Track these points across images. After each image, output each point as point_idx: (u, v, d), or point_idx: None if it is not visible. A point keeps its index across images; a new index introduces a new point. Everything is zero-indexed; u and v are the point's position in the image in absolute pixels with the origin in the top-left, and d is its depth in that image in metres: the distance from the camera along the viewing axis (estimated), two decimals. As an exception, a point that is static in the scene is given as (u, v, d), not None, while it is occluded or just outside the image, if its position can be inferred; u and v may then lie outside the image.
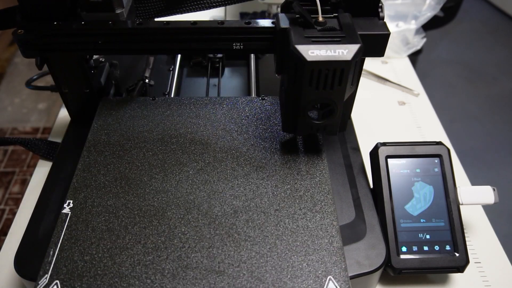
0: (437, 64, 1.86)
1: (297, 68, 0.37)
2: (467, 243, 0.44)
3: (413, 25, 0.76)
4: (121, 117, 0.50)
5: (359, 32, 0.43)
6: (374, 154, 0.48)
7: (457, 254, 0.43)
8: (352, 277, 0.41)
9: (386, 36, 0.43)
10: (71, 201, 0.41)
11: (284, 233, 0.38)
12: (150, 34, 0.44)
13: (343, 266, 0.36)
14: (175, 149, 0.46)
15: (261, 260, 0.37)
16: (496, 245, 0.51)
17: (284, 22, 0.39)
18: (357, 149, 0.53)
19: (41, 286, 0.35)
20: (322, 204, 0.41)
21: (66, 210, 0.40)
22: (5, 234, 0.51)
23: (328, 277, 0.35)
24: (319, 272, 0.36)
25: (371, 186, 0.49)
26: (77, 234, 0.38)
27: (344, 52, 0.36)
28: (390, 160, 0.47)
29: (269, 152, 0.46)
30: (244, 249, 0.37)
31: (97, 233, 0.38)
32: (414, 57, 0.82)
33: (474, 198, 0.46)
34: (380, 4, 0.45)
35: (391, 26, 0.76)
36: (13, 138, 0.57)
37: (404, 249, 0.44)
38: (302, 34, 0.37)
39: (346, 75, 0.37)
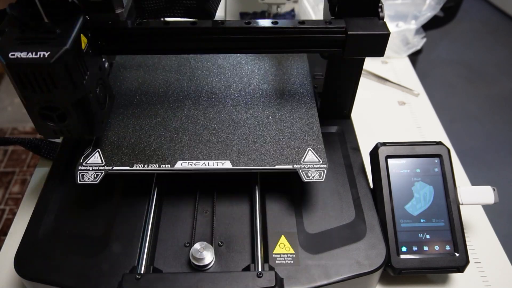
0: (437, 64, 1.86)
1: (6, 70, 0.36)
2: (467, 243, 0.44)
3: (413, 25, 0.76)
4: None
5: (359, 32, 0.43)
6: (374, 154, 0.48)
7: (457, 254, 0.43)
8: (352, 277, 0.41)
9: (386, 36, 0.43)
10: None
11: (274, 121, 0.48)
12: (151, 34, 0.44)
13: (320, 142, 0.45)
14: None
15: (257, 137, 0.46)
16: (496, 245, 0.51)
17: (5, 24, 0.38)
18: (357, 149, 0.53)
19: (86, 153, 0.44)
20: (306, 100, 0.50)
21: None
22: (5, 234, 0.51)
23: (308, 148, 0.45)
24: (301, 145, 0.45)
25: (371, 186, 0.49)
26: (111, 121, 0.48)
27: (46, 54, 0.34)
28: (390, 160, 0.47)
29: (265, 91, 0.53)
30: (243, 131, 0.47)
31: (127, 120, 0.48)
32: (414, 57, 0.82)
33: (474, 198, 0.46)
34: (380, 4, 0.45)
35: (391, 26, 0.76)
36: (13, 138, 0.57)
37: (404, 249, 0.44)
38: (15, 36, 0.36)
39: (56, 78, 0.36)
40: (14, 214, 0.59)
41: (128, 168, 0.43)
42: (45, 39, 0.36)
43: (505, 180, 1.39)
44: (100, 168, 0.43)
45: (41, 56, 0.34)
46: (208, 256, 0.41)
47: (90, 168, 0.42)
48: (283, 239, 0.44)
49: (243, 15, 0.83)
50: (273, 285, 0.38)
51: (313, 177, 0.42)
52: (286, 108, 0.50)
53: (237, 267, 0.42)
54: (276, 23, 0.44)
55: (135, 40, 0.44)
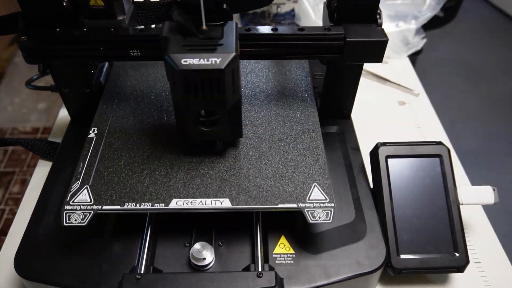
0: (437, 64, 1.86)
1: (174, 76, 0.37)
2: (467, 243, 0.44)
3: (413, 25, 0.76)
4: (135, 69, 0.56)
5: (357, 39, 0.44)
6: (374, 154, 0.48)
7: (457, 254, 0.43)
8: (352, 277, 0.41)
9: (384, 42, 0.44)
10: (96, 128, 0.47)
11: (277, 153, 0.45)
12: (151, 41, 0.44)
13: (326, 177, 0.42)
14: None
15: (259, 171, 0.43)
16: (496, 245, 0.51)
17: (167, 30, 0.39)
18: (357, 149, 0.53)
19: (73, 190, 0.41)
20: (311, 130, 0.47)
21: (91, 135, 0.46)
22: (5, 234, 0.51)
23: (313, 184, 0.41)
24: (306, 180, 0.42)
25: (371, 186, 0.49)
26: (102, 153, 0.44)
27: (217, 60, 0.36)
28: (390, 160, 0.47)
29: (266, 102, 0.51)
30: (244, 164, 0.44)
31: (119, 152, 0.45)
32: (414, 57, 0.82)
33: (474, 198, 0.46)
34: (378, 11, 0.45)
35: (391, 26, 0.76)
36: (13, 138, 0.57)
37: (404, 249, 0.44)
38: (181, 43, 0.37)
39: (222, 84, 0.37)
40: (14, 214, 0.59)
41: (119, 207, 0.40)
42: (211, 46, 0.37)
43: (505, 180, 1.39)
44: (88, 207, 0.39)
45: (213, 62, 0.36)
46: (208, 256, 0.41)
47: (78, 208, 0.39)
48: (283, 239, 0.44)
49: (243, 15, 0.83)
50: (273, 285, 0.38)
51: (319, 217, 0.39)
52: (289, 137, 0.46)
53: (237, 267, 0.42)
54: (275, 30, 0.45)
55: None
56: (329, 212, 0.39)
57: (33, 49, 0.44)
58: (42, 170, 0.57)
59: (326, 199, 0.40)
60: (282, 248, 0.43)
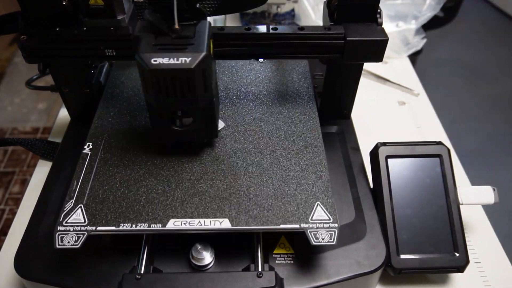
0: (437, 64, 1.85)
1: (144, 76, 0.37)
2: (467, 243, 0.44)
3: (413, 25, 0.76)
4: (133, 77, 0.55)
5: (358, 38, 0.44)
6: (374, 154, 0.48)
7: (457, 254, 0.43)
8: (352, 277, 0.41)
9: (385, 42, 0.44)
10: (90, 143, 0.46)
11: (279, 169, 0.43)
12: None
13: (330, 195, 0.41)
14: None
15: (260, 189, 0.42)
16: (496, 245, 0.51)
17: (138, 29, 0.39)
18: (357, 149, 0.53)
19: (67, 209, 0.39)
20: (313, 146, 0.46)
21: (86, 150, 0.45)
22: (5, 234, 0.51)
23: (317, 203, 0.40)
24: (309, 199, 0.41)
25: (371, 186, 0.49)
26: (97, 169, 0.43)
27: (187, 60, 0.36)
28: (390, 160, 0.47)
29: (266, 106, 0.51)
30: (244, 181, 0.42)
31: (114, 168, 0.43)
32: (414, 57, 0.82)
33: (474, 198, 0.46)
34: (378, 10, 0.45)
35: (391, 26, 0.76)
36: (13, 138, 0.57)
37: (404, 249, 0.44)
38: (152, 42, 0.37)
39: (193, 83, 0.37)
40: (14, 214, 0.59)
41: (114, 228, 0.38)
42: (182, 45, 0.37)
43: (505, 180, 1.39)
44: (82, 228, 0.38)
45: (183, 62, 0.36)
46: (208, 256, 0.41)
47: (71, 229, 0.38)
48: (283, 239, 0.44)
49: (243, 15, 0.83)
50: (273, 285, 0.38)
51: (323, 239, 0.38)
52: (291, 152, 0.45)
53: (237, 267, 0.42)
54: (275, 29, 0.45)
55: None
56: (333, 233, 0.38)
57: (33, 49, 0.44)
58: (42, 170, 0.57)
59: (329, 219, 0.39)
60: (282, 248, 0.43)
